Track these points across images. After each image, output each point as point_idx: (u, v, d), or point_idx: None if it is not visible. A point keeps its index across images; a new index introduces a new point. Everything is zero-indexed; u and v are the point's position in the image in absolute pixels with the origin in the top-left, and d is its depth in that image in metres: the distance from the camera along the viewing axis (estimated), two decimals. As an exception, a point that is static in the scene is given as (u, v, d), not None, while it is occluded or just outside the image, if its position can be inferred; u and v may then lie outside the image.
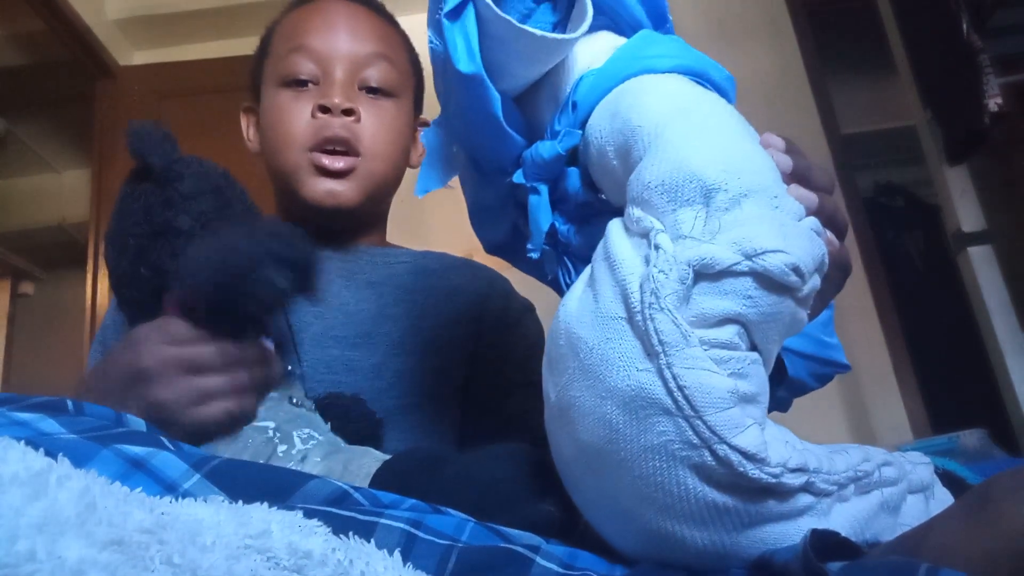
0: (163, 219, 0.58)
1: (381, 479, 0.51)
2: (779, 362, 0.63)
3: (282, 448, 0.56)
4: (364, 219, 0.90)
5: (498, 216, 0.59)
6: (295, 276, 0.56)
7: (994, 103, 1.87)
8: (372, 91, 0.87)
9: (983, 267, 2.01)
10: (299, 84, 0.85)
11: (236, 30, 2.78)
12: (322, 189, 0.82)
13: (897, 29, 2.23)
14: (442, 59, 0.49)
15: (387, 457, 0.55)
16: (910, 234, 3.01)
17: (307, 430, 0.58)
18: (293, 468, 0.54)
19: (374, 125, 0.85)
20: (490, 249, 0.64)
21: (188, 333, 0.57)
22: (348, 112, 0.83)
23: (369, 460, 0.54)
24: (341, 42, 0.86)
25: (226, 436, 0.56)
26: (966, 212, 2.07)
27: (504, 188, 0.55)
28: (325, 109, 0.82)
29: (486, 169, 0.56)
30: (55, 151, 3.68)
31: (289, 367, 0.65)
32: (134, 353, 0.57)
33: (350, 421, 0.65)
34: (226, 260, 0.54)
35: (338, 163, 0.82)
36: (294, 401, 0.61)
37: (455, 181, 0.61)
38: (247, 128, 0.93)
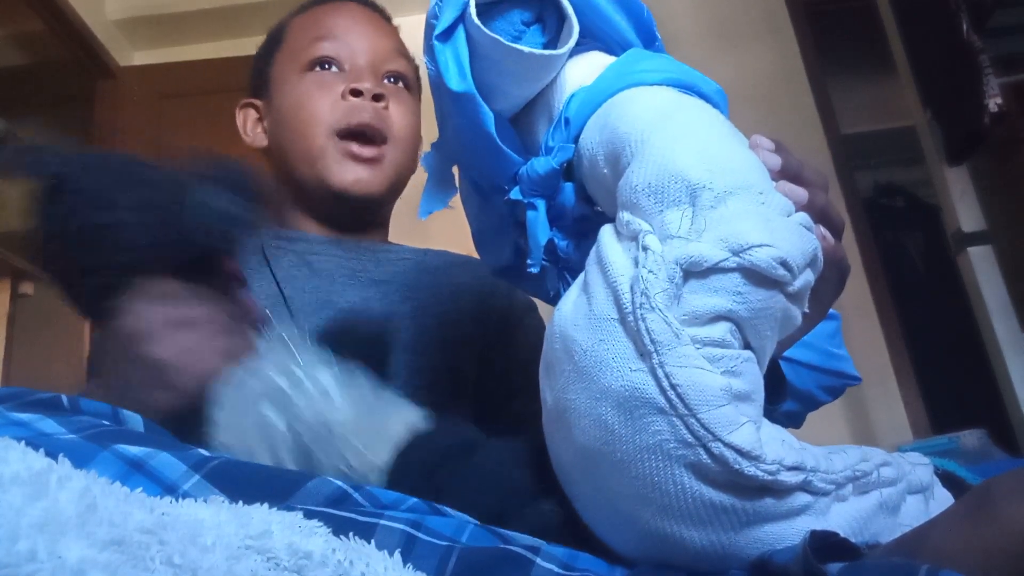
0: (87, 219, 0.54)
1: (399, 470, 0.51)
2: (781, 377, 0.63)
3: (285, 382, 0.54)
4: (377, 211, 0.92)
5: (500, 237, 0.60)
6: (233, 197, 0.54)
7: (994, 103, 1.87)
8: (395, 80, 0.89)
9: (983, 267, 2.01)
10: (326, 67, 0.86)
11: (236, 30, 2.78)
12: (351, 177, 0.83)
13: (897, 29, 2.23)
14: (436, 81, 0.50)
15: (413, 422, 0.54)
16: (910, 234, 3.01)
17: (321, 373, 0.56)
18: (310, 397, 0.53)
19: (399, 112, 0.87)
20: (495, 271, 0.64)
21: (174, 289, 0.56)
22: (378, 98, 0.84)
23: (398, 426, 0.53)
24: (366, 34, 0.89)
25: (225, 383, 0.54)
26: (966, 212, 2.07)
27: (504, 208, 0.56)
28: (357, 92, 0.84)
29: (485, 189, 0.57)
30: (55, 151, 3.68)
31: (285, 334, 0.61)
32: (128, 320, 0.55)
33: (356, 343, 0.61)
34: (158, 202, 0.52)
35: (367, 151, 0.83)
36: (289, 343, 0.58)
37: (456, 201, 0.62)
38: (245, 123, 0.93)
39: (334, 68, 0.87)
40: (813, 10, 2.69)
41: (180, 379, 0.54)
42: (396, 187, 0.88)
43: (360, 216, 0.91)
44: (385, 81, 0.88)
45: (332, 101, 0.84)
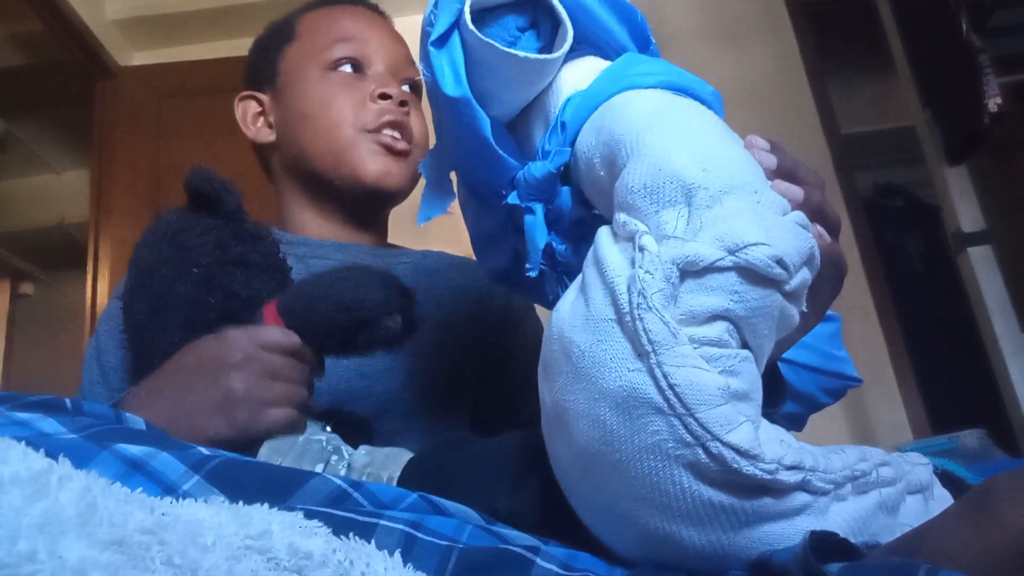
0: (237, 253, 0.64)
1: (411, 469, 0.55)
2: (781, 379, 0.63)
3: (335, 458, 0.59)
4: (385, 211, 0.93)
5: (499, 243, 0.60)
6: (404, 324, 0.63)
7: (994, 103, 1.87)
8: (413, 88, 0.91)
9: (983, 267, 2.00)
10: (352, 70, 0.87)
11: (236, 30, 2.78)
12: (381, 168, 0.84)
13: (897, 29, 2.23)
14: (432, 87, 0.51)
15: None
16: (910, 234, 3.01)
17: (347, 446, 0.62)
18: (343, 474, 0.58)
19: (416, 119, 0.89)
20: (494, 277, 0.65)
21: (282, 341, 0.60)
22: (403, 103, 0.86)
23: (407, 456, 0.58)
24: (384, 41, 0.90)
25: (273, 440, 0.59)
26: (966, 212, 2.06)
27: (502, 214, 0.56)
28: (385, 96, 0.85)
29: (483, 194, 0.57)
30: (55, 151, 3.68)
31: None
32: (225, 346, 0.59)
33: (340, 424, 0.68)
34: (356, 301, 0.61)
35: (400, 143, 0.85)
36: (327, 428, 0.65)
37: (454, 207, 0.63)
38: (245, 116, 0.92)
39: (357, 71, 0.88)
40: (813, 10, 2.69)
41: (238, 416, 0.57)
42: (410, 189, 0.89)
43: (375, 212, 0.91)
44: (404, 88, 0.89)
45: (358, 103, 0.85)
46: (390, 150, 0.84)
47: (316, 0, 0.95)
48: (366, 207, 0.89)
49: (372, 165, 0.84)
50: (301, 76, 0.88)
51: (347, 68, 0.87)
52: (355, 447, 0.63)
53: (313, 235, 0.88)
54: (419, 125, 0.89)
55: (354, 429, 0.68)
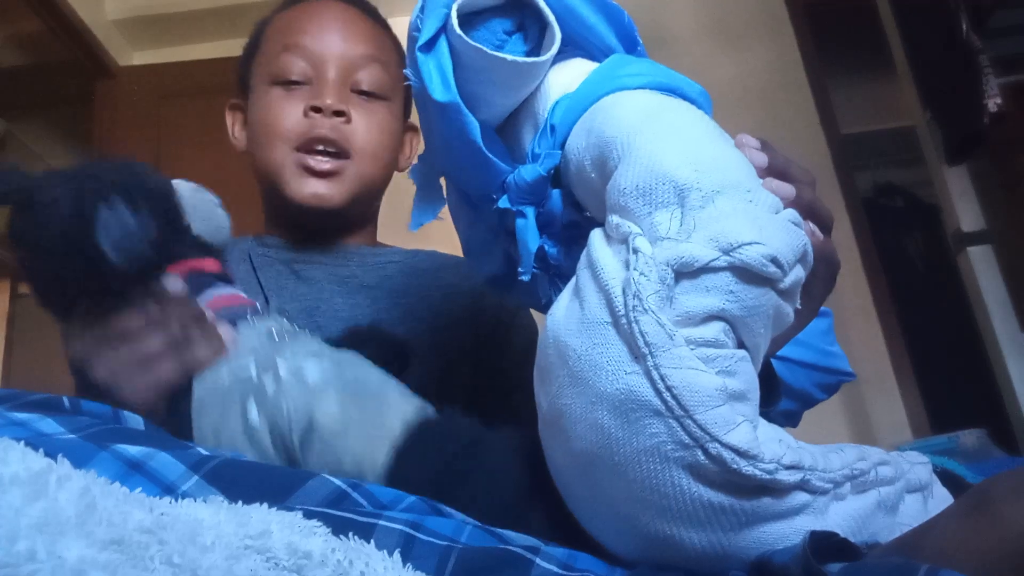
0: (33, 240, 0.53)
1: (399, 472, 0.49)
2: (776, 378, 0.63)
3: (267, 377, 0.51)
4: (351, 220, 0.89)
5: (491, 247, 0.60)
6: (145, 206, 0.51)
7: (993, 103, 1.87)
8: (364, 94, 0.86)
9: (983, 267, 2.01)
10: (291, 83, 0.84)
11: (236, 30, 2.77)
12: (307, 190, 0.81)
13: (897, 29, 2.23)
14: (420, 93, 0.50)
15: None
16: (910, 234, 3.01)
17: (289, 352, 0.53)
18: (293, 393, 0.50)
19: (365, 127, 0.84)
20: (487, 282, 0.64)
21: (108, 308, 0.54)
22: (339, 113, 0.82)
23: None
24: (334, 43, 0.86)
25: (195, 383, 0.52)
26: (966, 212, 2.07)
27: (494, 218, 0.56)
28: (317, 109, 0.82)
29: (474, 198, 0.57)
30: (55, 151, 3.68)
31: (273, 326, 0.58)
32: (73, 346, 0.55)
33: (371, 350, 0.58)
34: (60, 216, 0.48)
35: (324, 164, 0.82)
36: (275, 336, 0.56)
37: (445, 212, 0.63)
38: (232, 125, 0.93)
39: (300, 83, 0.84)
40: (813, 10, 2.69)
41: (131, 395, 0.52)
42: (362, 198, 0.86)
43: (329, 225, 0.88)
44: (353, 93, 0.85)
45: (295, 118, 0.82)
46: (313, 171, 0.81)
47: (285, 0, 0.92)
48: (307, 224, 0.87)
49: (300, 188, 0.82)
50: (256, 88, 0.87)
51: (290, 80, 0.84)
52: (395, 372, 0.56)
53: (300, 239, 0.87)
54: (363, 131, 0.84)
55: (390, 351, 0.61)
